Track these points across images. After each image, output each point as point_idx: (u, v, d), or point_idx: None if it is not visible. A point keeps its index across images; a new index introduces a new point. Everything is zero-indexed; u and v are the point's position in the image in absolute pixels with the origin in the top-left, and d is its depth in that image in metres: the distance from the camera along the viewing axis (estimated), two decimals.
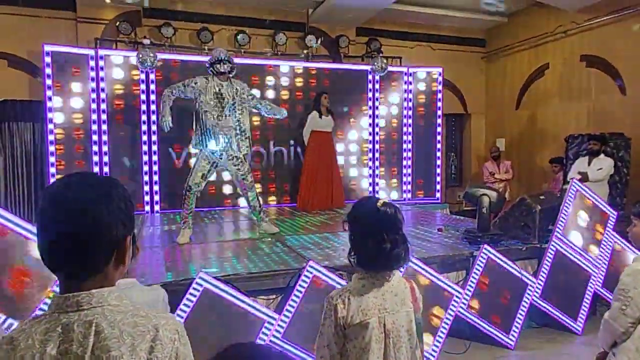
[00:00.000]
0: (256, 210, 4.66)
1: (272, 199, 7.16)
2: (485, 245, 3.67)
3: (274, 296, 3.15)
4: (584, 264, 3.94)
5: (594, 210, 4.16)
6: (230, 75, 4.45)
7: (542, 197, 4.24)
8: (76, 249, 0.91)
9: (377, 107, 7.63)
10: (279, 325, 2.97)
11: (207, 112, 4.30)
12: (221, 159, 4.41)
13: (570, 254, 3.91)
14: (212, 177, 5.21)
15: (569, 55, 7.57)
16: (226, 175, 6.60)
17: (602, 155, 5.75)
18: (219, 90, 4.32)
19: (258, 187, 5.87)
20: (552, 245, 3.86)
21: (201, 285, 2.86)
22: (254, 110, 4.72)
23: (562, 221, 3.95)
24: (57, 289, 1.09)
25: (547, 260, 3.82)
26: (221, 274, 3.14)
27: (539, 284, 3.75)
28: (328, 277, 3.11)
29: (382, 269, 1.64)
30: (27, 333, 0.91)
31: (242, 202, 6.91)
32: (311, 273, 3.08)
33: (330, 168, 6.54)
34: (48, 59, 5.98)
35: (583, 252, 3.97)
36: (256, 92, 6.00)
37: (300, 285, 3.04)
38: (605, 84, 6.99)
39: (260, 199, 4.75)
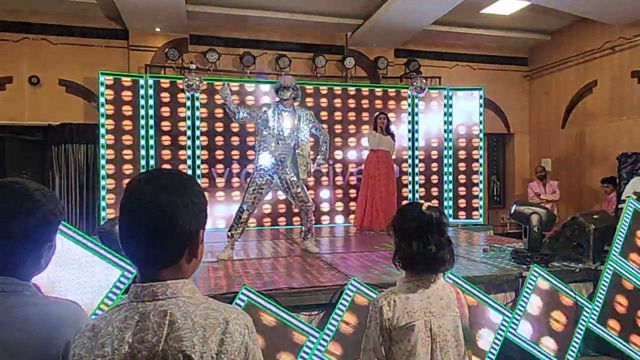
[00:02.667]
0: (304, 228, 4.72)
1: (324, 218, 7.23)
2: (536, 265, 3.51)
3: (315, 312, 3.12)
4: None
5: None
6: (295, 102, 4.54)
7: (595, 217, 4.03)
8: (153, 241, 0.96)
9: (416, 129, 7.58)
10: (321, 342, 2.93)
11: (267, 137, 4.40)
12: (276, 180, 4.47)
13: (630, 277, 3.66)
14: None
15: (618, 71, 7.29)
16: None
17: None
18: (282, 116, 4.41)
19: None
20: (609, 266, 3.63)
21: (243, 300, 2.87)
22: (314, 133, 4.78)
23: (618, 241, 3.72)
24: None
25: (604, 282, 3.59)
26: (263, 288, 3.14)
27: (596, 308, 3.53)
28: (370, 294, 3.05)
29: (427, 272, 1.65)
30: (107, 320, 0.96)
31: (280, 220, 6.99)
32: (353, 289, 3.04)
33: (386, 187, 6.43)
34: (102, 87, 6.35)
35: None
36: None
37: (342, 302, 3.00)
38: None
39: (312, 219, 4.74)
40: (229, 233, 4.46)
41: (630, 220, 3.83)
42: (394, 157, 6.65)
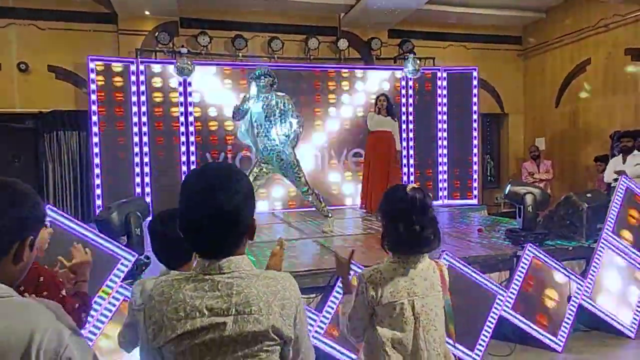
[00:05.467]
0: (319, 208, 4.94)
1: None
2: (530, 245, 3.56)
3: (314, 295, 3.16)
4: (636, 263, 3.75)
5: None
6: (272, 88, 4.70)
7: (588, 195, 4.08)
8: (219, 230, 1.09)
9: (410, 110, 7.56)
10: (319, 324, 2.98)
11: (256, 122, 4.67)
12: (272, 165, 4.70)
13: (622, 254, 3.73)
14: None
15: (612, 49, 7.26)
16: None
17: (636, 152, 5.69)
18: (264, 102, 4.63)
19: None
20: (602, 244, 3.70)
21: None
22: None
23: (611, 219, 3.78)
24: None
25: (596, 260, 3.66)
26: None
27: (588, 284, 3.60)
28: None
29: (413, 253, 1.70)
30: (176, 288, 1.08)
31: (277, 204, 7.01)
32: (351, 272, 3.06)
33: (387, 167, 6.44)
34: (92, 72, 6.26)
35: (635, 251, 3.78)
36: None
37: (340, 285, 3.04)
38: None
39: (320, 199, 4.96)
40: None
41: (622, 198, 3.88)
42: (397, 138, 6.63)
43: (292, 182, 4.90)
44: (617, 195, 3.88)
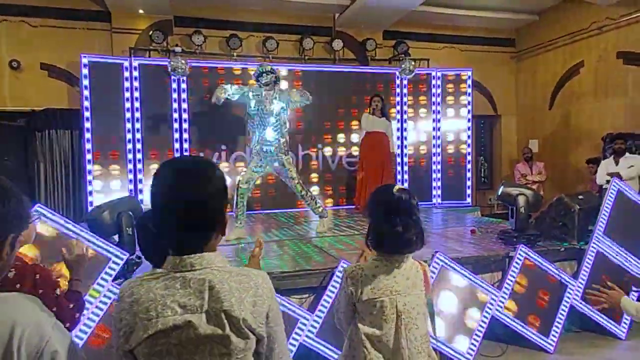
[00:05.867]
0: (313, 208, 4.92)
1: (328, 201, 7.26)
2: (522, 246, 3.57)
3: (306, 295, 3.15)
4: (627, 265, 3.78)
5: (637, 210, 3.99)
6: (276, 85, 4.69)
7: (580, 197, 4.10)
8: (190, 227, 1.07)
9: (405, 110, 7.58)
10: (312, 324, 2.97)
11: (256, 120, 4.63)
12: (267, 165, 4.70)
13: (612, 255, 3.76)
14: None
15: (604, 52, 7.33)
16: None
17: (627, 154, 5.76)
18: (265, 100, 4.58)
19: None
20: (593, 245, 3.72)
21: None
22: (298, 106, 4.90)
23: (602, 221, 3.81)
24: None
25: (587, 261, 3.68)
26: None
27: (579, 285, 3.62)
28: None
29: (395, 252, 1.72)
30: (146, 288, 1.06)
31: (271, 204, 7.00)
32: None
33: (381, 168, 6.45)
34: (85, 69, 6.21)
35: (626, 253, 3.81)
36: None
37: (332, 285, 3.03)
38: None
39: (316, 201, 4.93)
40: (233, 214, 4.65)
41: (613, 200, 3.91)
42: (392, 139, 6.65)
43: (287, 183, 4.90)
44: (609, 197, 3.91)
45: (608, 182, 4.46)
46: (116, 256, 2.78)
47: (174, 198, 1.07)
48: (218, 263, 1.09)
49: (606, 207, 3.86)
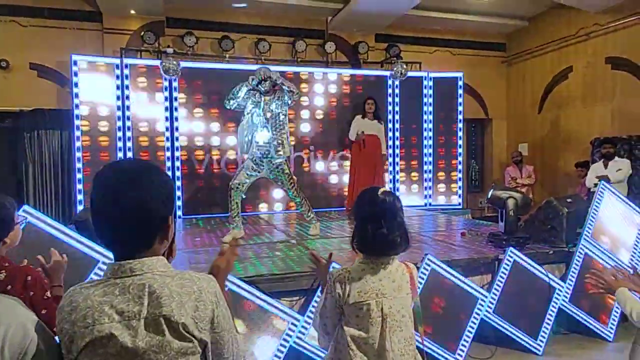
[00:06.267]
0: (305, 214, 4.92)
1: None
2: (511, 248, 3.61)
3: (297, 298, 3.15)
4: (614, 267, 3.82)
5: (624, 213, 4.04)
6: (274, 90, 4.58)
7: (569, 200, 4.15)
8: (127, 231, 1.04)
9: (396, 110, 7.62)
10: (301, 327, 2.97)
11: (255, 123, 4.53)
12: (262, 169, 4.64)
13: (600, 258, 3.80)
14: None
15: (592, 57, 7.43)
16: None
17: (616, 158, 5.86)
18: (265, 105, 4.53)
19: None
20: (581, 248, 3.76)
21: (226, 285, 2.87)
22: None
23: (590, 224, 3.85)
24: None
25: (575, 263, 3.72)
26: (244, 275, 3.15)
27: (567, 288, 3.66)
28: None
29: (380, 255, 1.73)
30: (85, 295, 1.02)
31: (262, 207, 6.99)
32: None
33: (373, 171, 6.46)
34: (75, 69, 6.16)
35: (613, 256, 3.86)
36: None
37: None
38: (631, 86, 6.84)
39: (309, 207, 4.93)
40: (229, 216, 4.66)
41: (601, 203, 3.96)
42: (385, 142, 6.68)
43: (283, 189, 4.89)
44: (597, 200, 3.96)
45: (596, 185, 4.53)
46: (105, 257, 2.76)
47: (113, 201, 1.02)
48: (160, 268, 1.05)
49: (594, 209, 3.91)
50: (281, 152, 4.56)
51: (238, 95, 4.48)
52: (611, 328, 3.71)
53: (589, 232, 3.83)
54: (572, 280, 3.69)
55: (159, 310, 1.00)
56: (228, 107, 4.61)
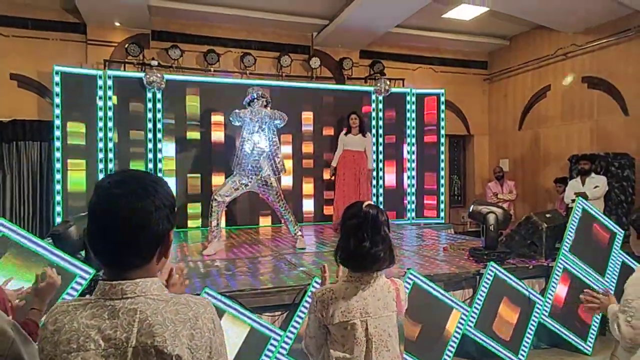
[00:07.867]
0: (291, 228, 5.00)
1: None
2: (492, 263, 3.64)
3: (279, 313, 3.12)
4: (592, 282, 3.89)
5: (601, 229, 4.13)
6: (266, 108, 4.81)
7: (548, 216, 4.22)
8: (127, 245, 0.97)
9: (380, 124, 7.70)
10: (284, 343, 2.93)
11: (245, 140, 4.70)
12: (251, 182, 4.73)
13: (578, 272, 3.87)
14: None
15: (570, 76, 7.66)
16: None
17: (593, 174, 5.97)
18: (257, 122, 4.69)
19: None
20: (560, 263, 3.82)
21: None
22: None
23: (568, 239, 3.92)
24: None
25: (555, 278, 3.77)
26: (226, 290, 3.11)
27: (547, 302, 3.70)
28: None
29: (362, 269, 1.68)
30: (71, 316, 0.95)
31: (246, 220, 6.93)
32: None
33: (358, 186, 6.47)
34: (57, 79, 6.08)
35: (591, 270, 3.93)
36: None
37: (306, 302, 3.01)
38: (607, 104, 7.05)
39: (295, 222, 5.04)
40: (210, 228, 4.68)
41: (579, 218, 4.04)
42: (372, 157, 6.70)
43: (271, 204, 4.96)
44: (574, 216, 4.04)
45: (574, 201, 4.62)
46: (83, 271, 2.70)
47: (113, 212, 0.96)
48: (154, 291, 0.97)
49: (572, 225, 3.99)
50: (271, 166, 4.70)
51: (240, 118, 4.74)
52: (590, 343, 3.75)
53: (566, 247, 3.89)
54: (551, 295, 3.73)
55: (151, 340, 0.92)
56: (235, 122, 4.84)
